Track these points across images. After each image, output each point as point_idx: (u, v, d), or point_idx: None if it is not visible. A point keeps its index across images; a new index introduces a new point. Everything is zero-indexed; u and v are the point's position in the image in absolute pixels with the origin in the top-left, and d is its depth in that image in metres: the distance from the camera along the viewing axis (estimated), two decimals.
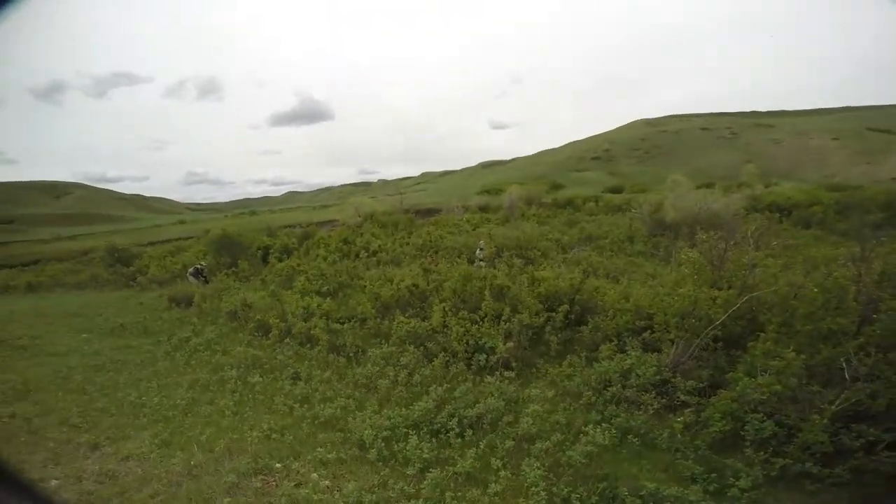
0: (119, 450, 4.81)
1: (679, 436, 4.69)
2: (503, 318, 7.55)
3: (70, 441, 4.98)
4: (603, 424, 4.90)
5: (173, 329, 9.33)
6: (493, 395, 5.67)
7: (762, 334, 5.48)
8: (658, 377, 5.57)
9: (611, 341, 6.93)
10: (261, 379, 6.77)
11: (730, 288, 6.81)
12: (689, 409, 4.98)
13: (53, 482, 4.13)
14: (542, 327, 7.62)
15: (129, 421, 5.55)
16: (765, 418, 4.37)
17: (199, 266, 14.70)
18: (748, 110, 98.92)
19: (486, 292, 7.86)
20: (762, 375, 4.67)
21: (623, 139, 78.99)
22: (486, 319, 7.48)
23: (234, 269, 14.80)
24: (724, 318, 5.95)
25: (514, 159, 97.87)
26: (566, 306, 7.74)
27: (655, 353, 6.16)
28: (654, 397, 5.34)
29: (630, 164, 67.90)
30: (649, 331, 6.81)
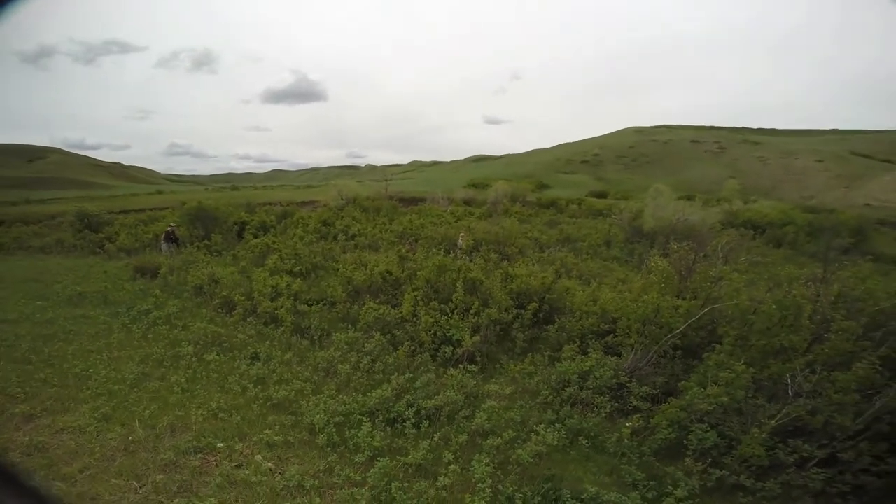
0: (55, 422, 4.67)
1: (626, 441, 4.76)
2: (472, 311, 7.55)
3: (3, 412, 4.83)
4: (556, 424, 4.92)
5: (135, 300, 9.03)
6: (453, 388, 5.65)
7: (718, 346, 5.58)
8: (615, 381, 5.64)
9: (574, 342, 7.00)
10: (217, 357, 6.61)
11: (694, 298, 6.92)
12: (639, 415, 5.05)
13: None
14: (510, 324, 7.65)
15: (70, 393, 5.37)
16: (709, 429, 4.46)
17: (171, 227, 14.33)
18: (739, 126, 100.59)
19: (459, 284, 7.81)
20: (712, 386, 4.75)
21: (613, 145, 79.64)
22: (455, 312, 7.45)
23: (206, 241, 14.44)
24: (683, 327, 6.04)
25: (504, 155, 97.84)
26: (535, 304, 7.78)
27: (615, 357, 6.23)
28: (609, 400, 5.42)
29: (617, 169, 68.53)
30: (612, 335, 6.89)
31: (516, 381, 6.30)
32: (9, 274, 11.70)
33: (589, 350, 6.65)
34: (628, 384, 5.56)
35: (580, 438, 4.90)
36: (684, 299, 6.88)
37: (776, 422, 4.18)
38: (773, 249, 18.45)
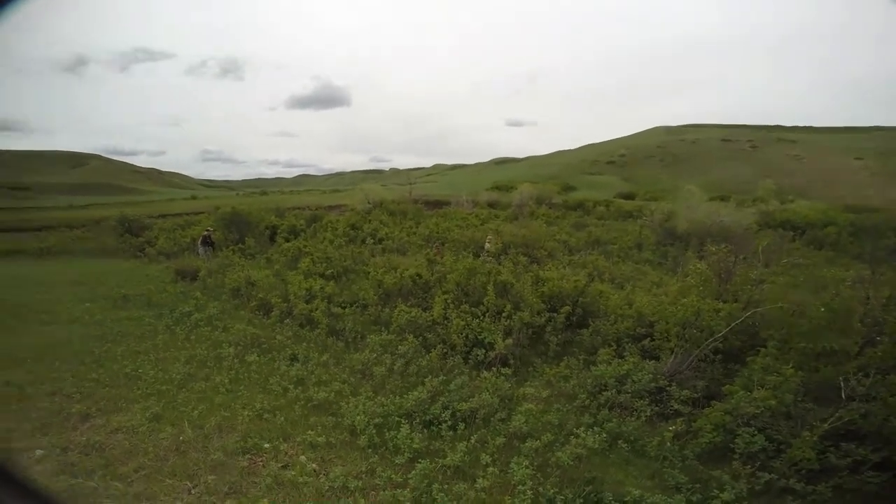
0: (109, 422, 4.77)
1: (669, 444, 4.68)
2: (504, 314, 7.57)
3: (61, 411, 4.95)
4: (594, 428, 4.87)
5: (176, 303, 9.38)
6: (487, 391, 5.67)
7: (762, 349, 5.43)
8: (654, 385, 5.55)
9: (610, 346, 6.92)
10: (258, 358, 6.78)
11: (735, 301, 6.75)
12: (681, 419, 4.96)
13: (38, 452, 4.09)
14: (542, 327, 7.63)
15: (122, 393, 5.50)
16: (756, 432, 4.34)
17: (208, 231, 14.86)
18: (772, 124, 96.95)
19: (490, 287, 7.84)
20: (758, 390, 4.63)
21: (640, 145, 78.09)
22: (487, 315, 7.48)
23: (240, 245, 14.92)
24: (725, 331, 5.90)
25: (527, 158, 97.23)
26: (568, 308, 7.72)
27: (653, 361, 6.13)
28: (648, 404, 5.33)
29: (645, 170, 67.06)
30: (649, 338, 6.79)
31: (551, 385, 6.26)
32: (58, 276, 12.34)
33: (625, 354, 6.56)
34: (668, 388, 5.47)
35: (620, 442, 4.84)
36: (724, 302, 6.72)
37: (829, 425, 4.04)
38: (815, 251, 17.74)
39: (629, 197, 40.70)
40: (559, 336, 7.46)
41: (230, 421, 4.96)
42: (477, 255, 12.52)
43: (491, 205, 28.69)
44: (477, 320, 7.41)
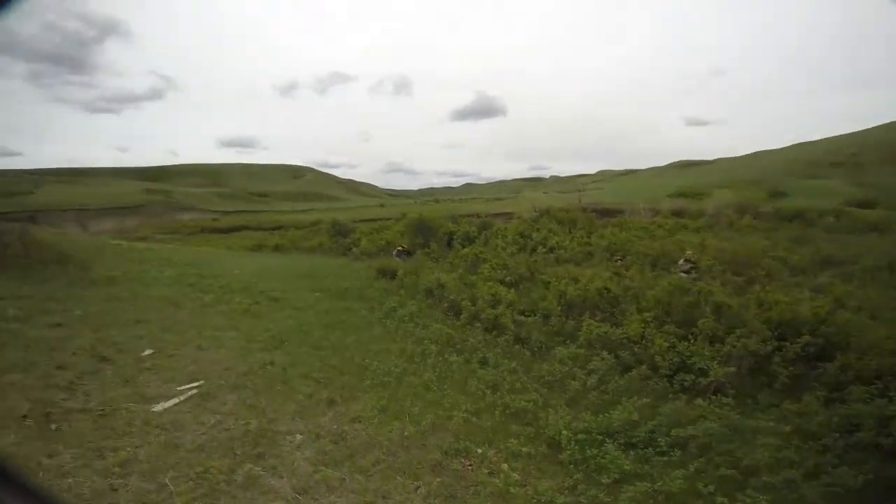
0: (349, 410, 4.95)
1: None
2: (717, 339, 6.67)
3: (313, 395, 5.17)
4: (846, 468, 4.18)
5: (382, 298, 10.61)
6: (708, 419, 5.19)
7: None
8: None
9: (866, 384, 5.66)
10: (457, 358, 7.09)
11: None
12: None
13: (298, 437, 4.26)
14: (768, 356, 6.53)
15: (356, 382, 5.77)
16: None
17: (401, 248, 16.77)
18: None
19: (707, 309, 6.97)
20: None
21: (878, 142, 60.28)
22: (698, 338, 6.66)
23: (426, 249, 16.36)
24: None
25: (718, 160, 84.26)
26: (807, 337, 6.41)
27: None
28: None
29: (888, 173, 51.62)
30: None
31: (787, 419, 5.39)
32: (292, 269, 15.18)
33: (891, 393, 5.23)
34: None
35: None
36: None
37: None
38: None
39: (867, 206, 31.84)
40: (789, 368, 6.36)
41: (442, 420, 5.09)
42: (667, 270, 11.30)
43: (676, 213, 25.60)
44: (685, 343, 6.65)
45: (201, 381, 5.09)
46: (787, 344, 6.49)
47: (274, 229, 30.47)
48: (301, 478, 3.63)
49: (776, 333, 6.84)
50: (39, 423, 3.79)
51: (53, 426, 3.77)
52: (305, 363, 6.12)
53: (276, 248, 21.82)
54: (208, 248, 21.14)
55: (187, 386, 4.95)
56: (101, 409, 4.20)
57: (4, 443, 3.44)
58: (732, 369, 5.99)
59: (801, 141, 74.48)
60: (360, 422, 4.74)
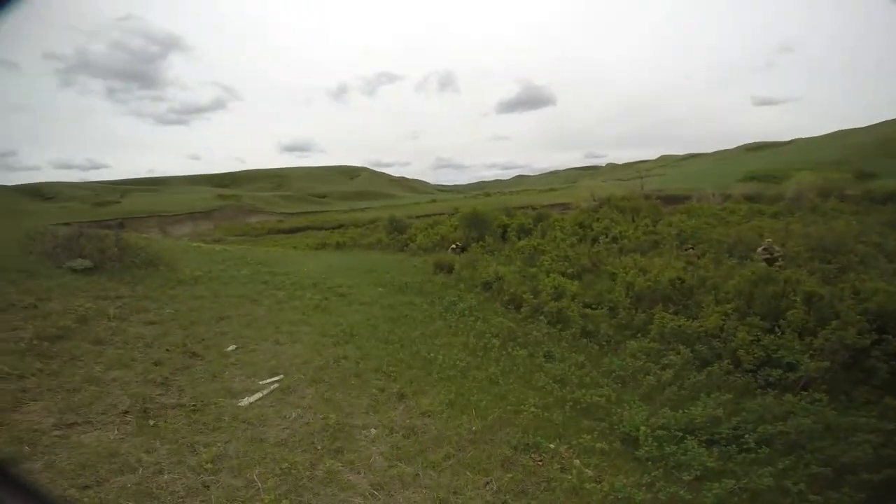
0: (419, 403, 4.97)
1: None
2: (807, 331, 6.11)
3: (384, 389, 5.22)
4: None
5: (441, 292, 10.70)
6: (799, 416, 4.89)
7: None
8: None
9: None
10: (522, 352, 7.02)
11: None
12: None
13: (373, 431, 4.32)
14: (866, 350, 5.93)
15: (423, 375, 5.79)
16: None
17: (455, 244, 16.84)
18: None
19: (796, 299, 6.42)
20: None
21: None
22: (787, 330, 6.15)
23: (481, 242, 16.30)
24: None
25: (793, 140, 76.95)
26: None
27: None
28: None
29: None
30: None
31: (888, 417, 4.99)
32: (354, 265, 15.68)
33: None
34: None
35: None
36: None
37: None
38: None
39: None
40: (891, 363, 5.81)
41: (510, 414, 5.04)
42: (744, 258, 10.47)
43: (749, 198, 23.67)
44: (770, 336, 6.15)
45: (281, 376, 5.33)
46: (889, 337, 5.93)
47: (335, 228, 31.69)
48: (377, 473, 3.70)
49: (875, 325, 6.24)
50: (139, 418, 4.06)
51: (151, 422, 4.02)
52: (375, 357, 6.24)
53: (338, 246, 22.61)
54: (276, 248, 22.38)
55: (269, 380, 5.19)
56: (194, 405, 4.45)
57: (108, 439, 3.65)
58: (825, 364, 5.50)
59: (886, 118, 65.95)
60: (429, 416, 4.76)
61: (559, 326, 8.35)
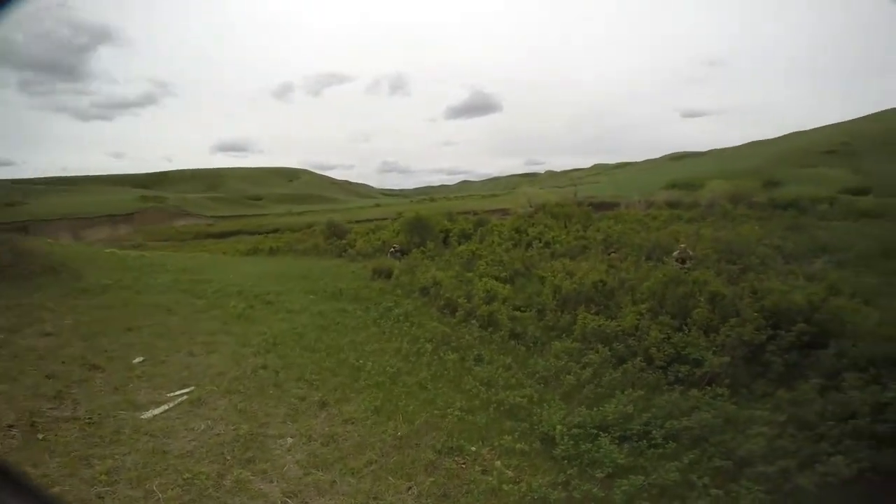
0: (342, 411, 4.92)
1: None
2: (711, 329, 6.67)
3: (305, 398, 5.14)
4: (839, 456, 4.17)
5: (378, 298, 10.57)
6: (702, 410, 5.21)
7: None
8: None
9: (862, 371, 5.63)
10: (452, 356, 7.06)
11: None
12: None
13: (289, 440, 4.25)
14: (762, 345, 6.55)
15: (349, 382, 5.72)
16: None
17: (395, 247, 16.75)
18: None
19: (702, 299, 6.97)
20: None
21: (869, 131, 60.20)
22: (693, 328, 6.66)
23: (422, 248, 16.33)
24: None
25: (711, 150, 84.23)
26: (802, 325, 6.41)
27: None
28: None
29: (880, 161, 51.69)
30: None
31: (780, 409, 5.36)
32: (287, 272, 15.12)
33: (885, 380, 5.28)
34: None
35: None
36: None
37: None
38: None
39: (860, 193, 31.93)
40: (784, 356, 6.36)
41: (437, 418, 5.07)
42: (660, 261, 11.28)
43: (671, 205, 25.60)
44: (679, 334, 6.64)
45: (192, 387, 5.06)
46: (782, 332, 6.49)
47: (269, 233, 30.36)
48: (291, 481, 3.61)
49: (770, 322, 6.84)
50: (25, 432, 3.78)
51: (40, 436, 3.76)
52: (298, 366, 6.08)
53: (272, 252, 21.70)
54: (203, 254, 21.09)
55: (178, 392, 4.92)
56: (90, 418, 4.18)
57: None
58: (727, 359, 5.99)
59: (795, 130, 74.44)
60: (352, 423, 4.71)
61: (490, 329, 8.51)
